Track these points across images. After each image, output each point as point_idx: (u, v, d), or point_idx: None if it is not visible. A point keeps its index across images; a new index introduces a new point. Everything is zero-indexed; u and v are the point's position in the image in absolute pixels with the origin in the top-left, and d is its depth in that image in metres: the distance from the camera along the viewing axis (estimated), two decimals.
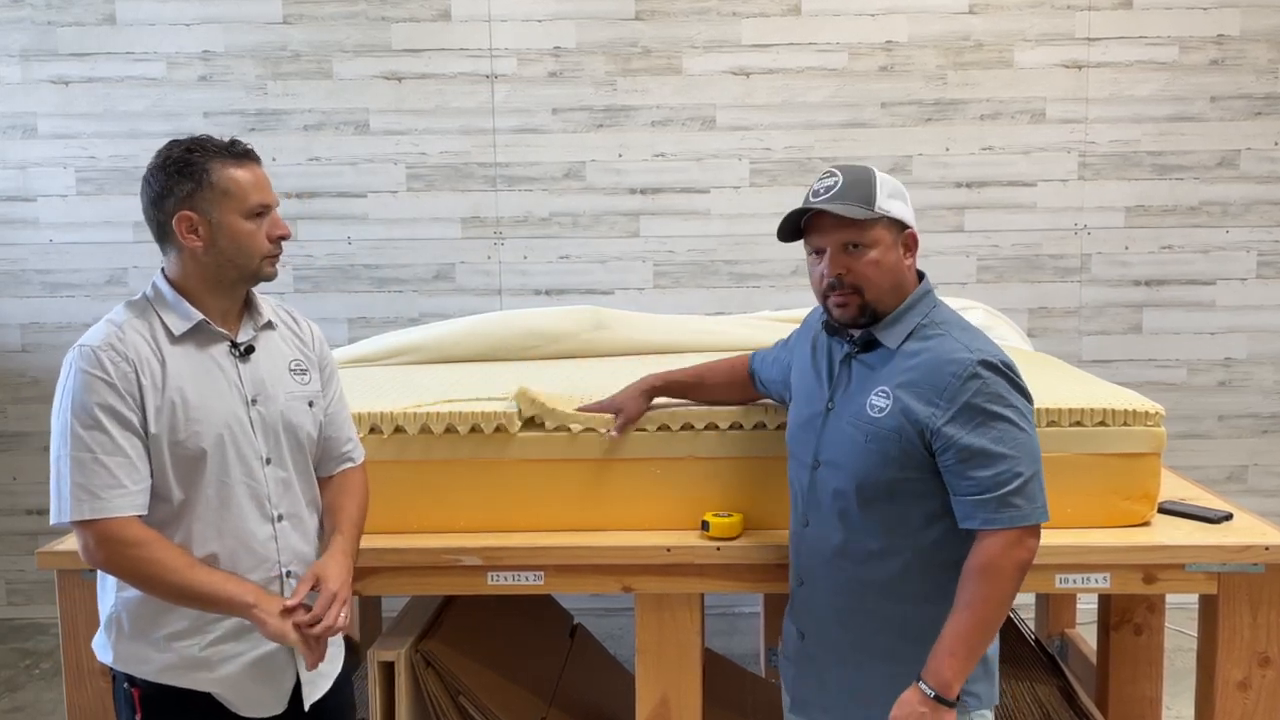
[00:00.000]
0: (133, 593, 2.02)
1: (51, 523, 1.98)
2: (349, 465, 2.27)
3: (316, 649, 2.00)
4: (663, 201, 4.72)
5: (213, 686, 2.06)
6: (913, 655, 2.08)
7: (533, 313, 3.61)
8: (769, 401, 2.60)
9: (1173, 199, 4.69)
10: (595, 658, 3.54)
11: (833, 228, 2.07)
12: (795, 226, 2.15)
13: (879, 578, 2.12)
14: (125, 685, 2.08)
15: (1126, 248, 4.71)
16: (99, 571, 2.06)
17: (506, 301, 4.76)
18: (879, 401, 2.06)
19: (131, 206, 4.63)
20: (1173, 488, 2.86)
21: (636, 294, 4.75)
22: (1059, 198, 4.69)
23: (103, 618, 2.10)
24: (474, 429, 2.59)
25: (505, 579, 2.57)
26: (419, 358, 3.45)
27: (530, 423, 2.64)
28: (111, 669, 2.10)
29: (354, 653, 2.39)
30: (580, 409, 2.63)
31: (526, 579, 2.57)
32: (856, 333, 2.14)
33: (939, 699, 1.97)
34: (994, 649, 2.15)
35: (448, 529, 2.63)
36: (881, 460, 2.06)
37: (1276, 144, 4.65)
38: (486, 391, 2.77)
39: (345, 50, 4.65)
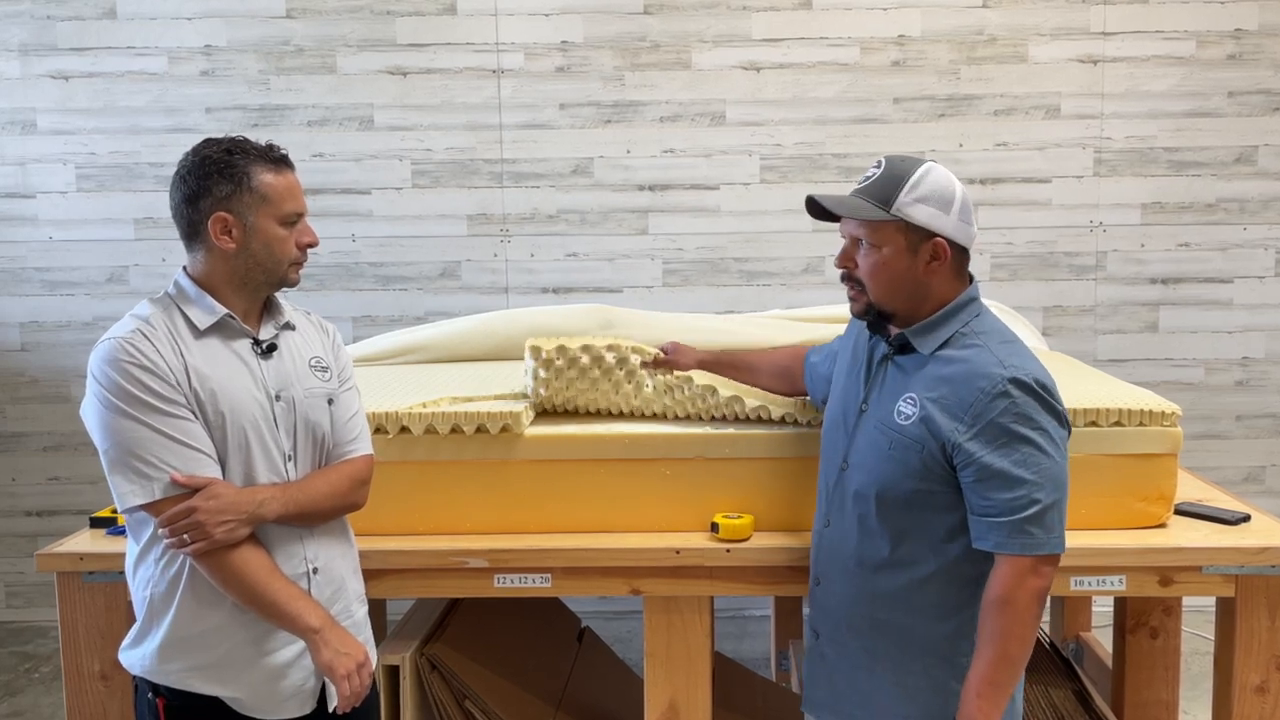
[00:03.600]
0: (170, 586, 1.98)
1: (124, 508, 1.94)
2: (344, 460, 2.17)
3: (350, 695, 2.04)
4: (672, 198, 4.67)
5: (238, 691, 2.02)
6: (919, 669, 2.06)
7: (540, 311, 3.59)
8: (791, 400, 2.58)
9: (1189, 196, 4.63)
10: (603, 661, 3.53)
11: (848, 219, 2.04)
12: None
13: (891, 588, 2.08)
14: (150, 695, 2.04)
15: (1143, 245, 4.66)
16: (130, 570, 2.04)
17: (513, 300, 4.71)
18: (906, 409, 2.02)
19: (132, 203, 4.69)
20: (1189, 489, 2.84)
21: (645, 292, 4.70)
22: (1074, 194, 4.63)
23: (139, 618, 2.05)
24: (480, 429, 2.56)
25: (512, 581, 2.54)
26: (424, 357, 3.44)
27: (539, 418, 2.62)
28: (134, 679, 2.07)
29: None
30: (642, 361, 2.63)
31: (534, 581, 2.55)
32: (894, 332, 2.09)
33: None
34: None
35: (454, 531, 2.60)
36: (902, 469, 2.01)
37: None
38: (493, 391, 2.75)
39: (349, 45, 4.61)
